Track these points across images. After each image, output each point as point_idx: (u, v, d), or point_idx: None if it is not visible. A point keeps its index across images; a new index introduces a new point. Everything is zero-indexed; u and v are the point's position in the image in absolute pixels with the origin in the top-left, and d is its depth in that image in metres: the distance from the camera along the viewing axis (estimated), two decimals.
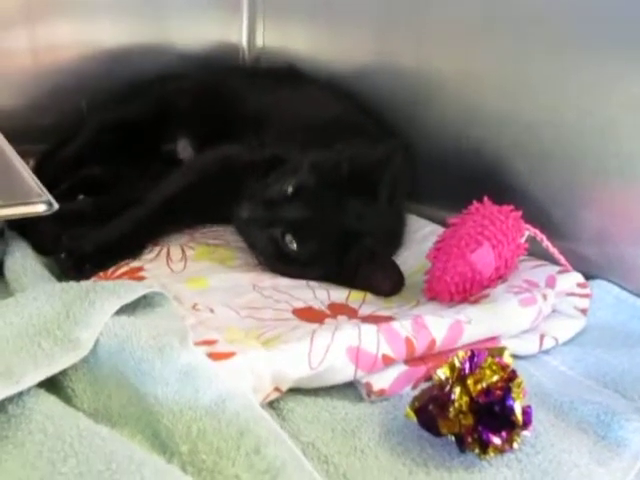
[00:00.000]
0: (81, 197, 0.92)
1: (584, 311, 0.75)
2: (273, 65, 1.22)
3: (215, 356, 0.55)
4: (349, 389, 0.61)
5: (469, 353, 0.55)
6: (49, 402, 0.51)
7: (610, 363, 0.69)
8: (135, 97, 1.08)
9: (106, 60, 1.15)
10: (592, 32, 0.78)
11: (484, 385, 0.53)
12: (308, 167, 0.82)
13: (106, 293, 0.60)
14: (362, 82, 1.08)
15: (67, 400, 0.55)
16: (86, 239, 0.78)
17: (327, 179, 0.81)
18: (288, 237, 0.78)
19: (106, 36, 1.14)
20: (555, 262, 0.79)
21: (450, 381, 0.54)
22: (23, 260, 0.74)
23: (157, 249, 0.83)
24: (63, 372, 0.54)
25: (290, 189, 0.80)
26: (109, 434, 0.47)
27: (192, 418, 0.49)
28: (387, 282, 0.79)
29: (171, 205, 0.85)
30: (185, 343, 0.53)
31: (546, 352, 0.71)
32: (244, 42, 1.31)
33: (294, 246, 0.78)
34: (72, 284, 0.63)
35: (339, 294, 0.76)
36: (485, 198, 0.79)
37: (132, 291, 0.61)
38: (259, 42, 1.30)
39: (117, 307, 0.58)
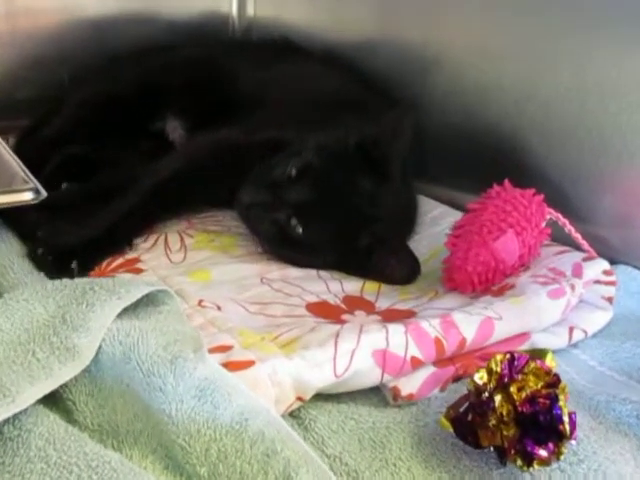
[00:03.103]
0: (64, 185, 0.85)
1: (610, 299, 0.71)
2: (267, 38, 1.15)
3: (233, 366, 0.50)
4: (373, 392, 0.57)
5: (508, 356, 0.51)
6: (49, 422, 0.45)
7: None
8: (120, 71, 1.01)
9: (90, 29, 1.09)
10: (616, 9, 0.74)
11: (528, 393, 0.49)
12: (312, 147, 0.76)
13: (105, 293, 0.54)
14: (364, 55, 1.02)
15: (67, 414, 0.50)
16: (68, 233, 0.71)
17: (333, 158, 0.76)
18: (293, 221, 0.73)
19: (90, 3, 1.08)
20: (577, 247, 0.75)
21: (489, 387, 0.50)
22: (9, 253, 0.68)
23: (154, 237, 0.78)
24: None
25: (294, 171, 0.75)
26: (120, 462, 0.42)
27: (211, 438, 0.44)
28: (402, 270, 0.74)
29: (161, 193, 0.78)
30: (200, 354, 0.48)
31: (574, 345, 0.67)
32: (234, 11, 1.24)
33: (300, 230, 0.73)
34: (65, 282, 0.57)
35: (353, 285, 0.71)
36: (506, 181, 0.74)
37: (133, 290, 0.55)
38: (250, 11, 1.23)
39: (118, 310, 0.53)
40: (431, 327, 0.57)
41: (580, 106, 0.79)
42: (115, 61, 1.03)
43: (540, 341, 0.63)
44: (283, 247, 0.75)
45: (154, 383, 0.46)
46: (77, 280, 0.58)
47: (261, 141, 0.81)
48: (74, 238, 0.71)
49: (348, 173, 0.75)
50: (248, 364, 0.50)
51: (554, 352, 0.63)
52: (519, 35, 0.84)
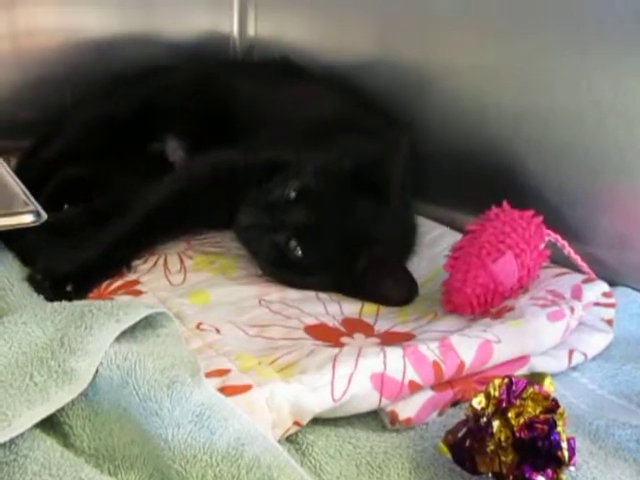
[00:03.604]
0: (66, 207, 0.85)
1: (610, 322, 0.71)
2: (267, 58, 1.15)
3: (229, 390, 0.50)
4: (371, 416, 0.57)
5: (506, 381, 0.50)
6: (46, 446, 0.45)
7: None
8: (120, 92, 1.02)
9: (92, 50, 1.10)
10: (614, 28, 0.74)
11: (526, 418, 0.48)
12: (310, 169, 0.77)
13: (103, 316, 0.54)
14: (364, 75, 1.02)
15: (64, 438, 0.50)
16: (64, 258, 0.71)
17: (331, 180, 0.76)
18: (292, 243, 0.73)
19: (92, 24, 1.09)
20: (577, 269, 0.75)
21: (487, 412, 0.50)
22: (9, 275, 0.68)
23: (153, 259, 0.78)
24: None
25: (293, 193, 0.75)
26: None
27: (208, 463, 0.44)
28: (400, 291, 0.74)
29: (158, 216, 0.79)
30: (197, 378, 0.48)
31: (574, 369, 0.67)
32: (235, 31, 1.25)
33: (299, 252, 0.73)
34: (64, 304, 0.57)
35: (352, 307, 0.71)
36: (504, 203, 0.74)
37: (132, 313, 0.55)
38: (251, 32, 1.24)
39: (117, 333, 0.53)
40: (429, 351, 0.57)
41: (578, 126, 0.79)
42: (116, 82, 1.04)
43: (539, 364, 0.63)
44: (282, 269, 0.75)
45: (151, 408, 0.46)
46: (76, 302, 0.58)
47: (260, 163, 0.81)
48: (70, 261, 0.70)
49: (346, 195, 0.75)
50: (245, 388, 0.50)
51: (553, 375, 0.64)
52: (517, 55, 0.84)
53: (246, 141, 0.89)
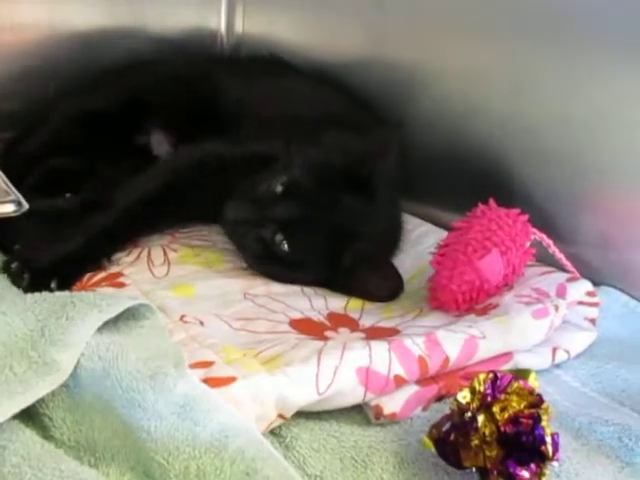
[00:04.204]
0: (67, 195, 0.84)
1: (593, 321, 0.72)
2: (254, 54, 1.15)
3: (213, 382, 0.49)
4: (355, 411, 0.57)
5: (491, 376, 0.50)
6: (25, 438, 0.45)
7: (625, 379, 0.66)
8: (105, 85, 1.01)
9: (77, 43, 1.08)
10: (601, 32, 0.75)
11: (511, 413, 0.48)
12: (298, 163, 0.76)
13: (85, 307, 0.53)
14: (352, 73, 1.02)
15: (44, 430, 0.49)
16: (45, 249, 0.70)
17: (318, 175, 0.75)
18: (278, 237, 0.73)
19: (78, 18, 1.07)
20: (561, 268, 0.76)
21: (472, 407, 0.50)
22: None
23: (137, 251, 0.77)
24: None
25: (279, 187, 0.74)
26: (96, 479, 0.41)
27: (190, 456, 0.43)
28: (385, 287, 0.74)
29: (141, 209, 0.77)
30: (181, 369, 0.47)
31: (557, 366, 0.67)
32: (222, 28, 1.24)
33: (285, 247, 0.73)
34: (45, 295, 0.56)
35: (337, 302, 0.71)
36: (491, 200, 0.74)
37: (115, 304, 0.54)
38: (238, 28, 1.23)
39: (99, 324, 0.52)
40: (415, 345, 0.57)
41: (564, 128, 0.79)
42: (101, 75, 1.02)
43: (523, 361, 0.63)
44: (267, 263, 0.75)
45: (133, 399, 0.46)
46: (57, 293, 0.57)
47: (247, 155, 0.81)
48: (51, 255, 0.69)
49: (333, 190, 0.75)
50: (229, 380, 0.50)
51: (537, 372, 0.64)
52: (506, 57, 0.84)
53: (232, 135, 0.88)
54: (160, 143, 0.99)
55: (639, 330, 0.73)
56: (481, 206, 0.74)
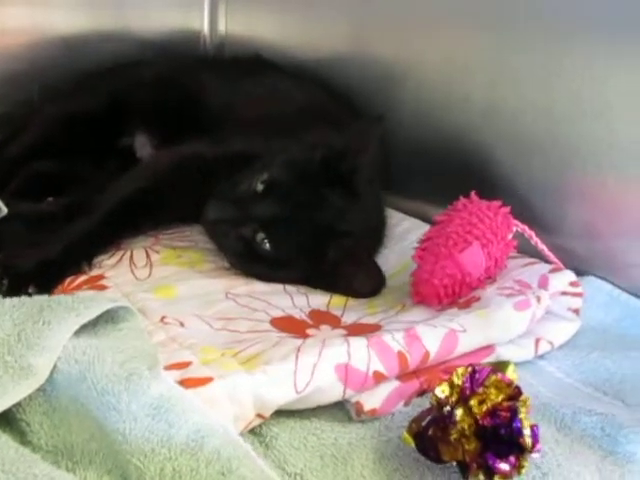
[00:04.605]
0: (50, 199, 0.84)
1: (577, 311, 0.72)
2: (237, 54, 1.15)
3: (190, 382, 0.49)
4: (337, 408, 0.56)
5: (470, 369, 0.50)
6: (0, 443, 0.44)
7: (608, 368, 0.66)
8: (89, 88, 1.01)
9: (60, 46, 1.08)
10: (582, 22, 0.75)
11: (489, 406, 0.48)
12: (278, 161, 0.76)
13: (63, 310, 0.53)
14: (334, 71, 1.02)
15: (21, 435, 0.48)
16: (25, 255, 0.70)
17: (299, 173, 0.75)
18: (260, 236, 0.73)
19: (61, 21, 1.07)
20: (544, 259, 0.76)
21: (450, 401, 0.49)
22: None
23: (119, 254, 0.76)
24: (15, 403, 0.48)
25: (260, 186, 0.74)
26: None
27: (166, 457, 0.43)
28: (367, 283, 0.74)
29: (122, 212, 0.77)
30: (155, 371, 0.47)
31: (541, 357, 0.67)
32: (206, 28, 1.24)
33: (267, 246, 0.73)
34: (24, 300, 0.56)
35: (319, 300, 0.71)
36: (472, 193, 0.74)
37: (93, 307, 0.54)
38: (221, 28, 1.23)
39: (76, 327, 0.52)
40: (394, 341, 0.56)
41: (547, 119, 0.80)
42: (84, 78, 1.02)
43: (506, 353, 0.63)
44: (249, 262, 0.74)
45: (108, 402, 0.45)
46: (36, 297, 0.57)
47: (228, 155, 0.81)
48: (30, 260, 0.69)
49: (315, 187, 0.75)
50: (206, 381, 0.50)
51: (520, 364, 0.64)
52: (486, 49, 0.85)
53: (215, 135, 0.88)
54: (143, 145, 0.99)
55: (623, 318, 0.74)
56: (462, 199, 0.74)
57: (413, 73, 0.93)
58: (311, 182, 0.75)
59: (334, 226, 0.74)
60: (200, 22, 1.23)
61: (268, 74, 1.03)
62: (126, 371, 0.47)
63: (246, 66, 1.06)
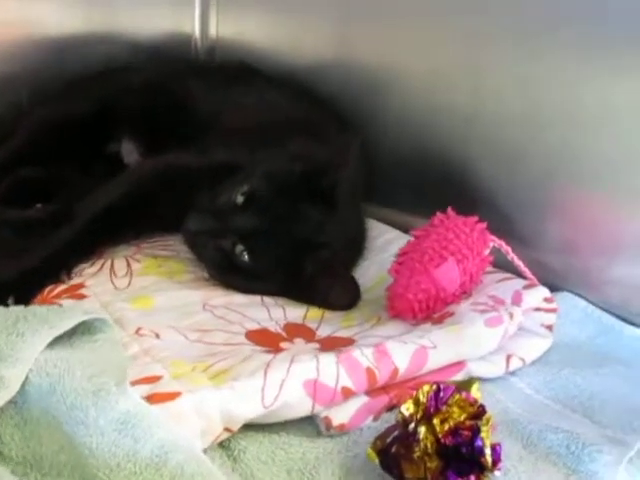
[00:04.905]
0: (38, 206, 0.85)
1: (550, 327, 0.72)
2: (224, 61, 1.16)
3: (158, 397, 0.50)
4: (306, 422, 0.57)
5: (434, 387, 0.51)
6: None
7: (578, 385, 0.66)
8: (76, 94, 1.01)
9: (51, 49, 1.08)
10: (564, 32, 0.75)
11: (451, 424, 0.49)
12: (258, 174, 0.77)
13: (37, 322, 0.54)
14: (321, 76, 1.03)
15: None
16: (5, 264, 0.70)
17: (279, 185, 0.76)
18: (239, 248, 0.73)
19: (52, 24, 1.07)
20: (520, 274, 0.76)
21: (415, 418, 0.50)
22: None
23: (100, 262, 0.77)
24: None
25: (240, 198, 0.75)
26: None
27: (131, 472, 0.44)
28: (343, 296, 0.75)
29: (104, 221, 0.78)
30: (122, 386, 0.48)
31: (512, 373, 0.68)
32: (197, 32, 1.24)
33: (245, 258, 0.73)
34: (0, 310, 0.56)
35: (296, 313, 0.72)
36: (449, 209, 0.75)
37: (67, 318, 0.55)
38: (212, 32, 1.23)
39: (49, 339, 0.52)
40: (363, 357, 0.57)
41: (529, 131, 0.80)
42: (72, 83, 1.03)
43: (477, 369, 0.64)
44: (228, 274, 0.75)
45: (77, 416, 0.46)
46: (12, 308, 0.58)
47: (211, 165, 0.81)
48: (9, 271, 0.70)
49: (294, 200, 0.75)
50: (174, 396, 0.50)
51: (491, 380, 0.65)
52: (469, 59, 0.85)
53: (200, 144, 0.89)
54: (130, 152, 0.99)
55: (597, 335, 0.74)
56: (439, 215, 0.74)
57: (396, 81, 0.94)
58: (290, 195, 0.75)
59: (311, 239, 0.75)
60: (191, 25, 1.23)
61: (254, 83, 1.03)
62: (94, 385, 0.48)
63: (233, 73, 1.06)
